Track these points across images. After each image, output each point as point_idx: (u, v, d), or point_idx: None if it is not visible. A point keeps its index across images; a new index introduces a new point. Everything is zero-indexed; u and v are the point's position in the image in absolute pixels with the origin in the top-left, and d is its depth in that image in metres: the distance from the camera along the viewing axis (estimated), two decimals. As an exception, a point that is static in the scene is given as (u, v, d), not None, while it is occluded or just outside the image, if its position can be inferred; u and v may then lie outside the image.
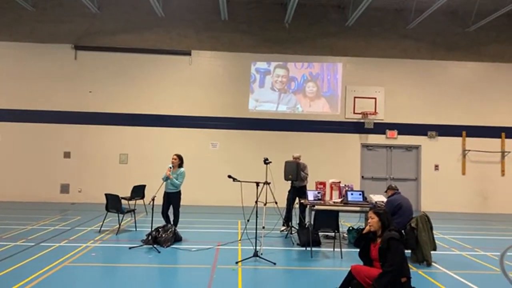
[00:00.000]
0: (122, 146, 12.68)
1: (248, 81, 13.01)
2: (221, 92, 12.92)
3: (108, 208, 7.92)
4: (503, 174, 13.06)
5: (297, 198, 8.33)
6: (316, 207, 7.20)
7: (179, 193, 7.48)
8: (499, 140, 13.12)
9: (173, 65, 12.88)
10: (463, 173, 13.06)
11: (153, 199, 6.71)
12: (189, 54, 12.92)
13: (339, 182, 7.93)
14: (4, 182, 12.22)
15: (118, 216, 7.93)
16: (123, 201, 8.39)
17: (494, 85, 13.19)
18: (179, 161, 7.47)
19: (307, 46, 13.09)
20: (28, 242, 6.85)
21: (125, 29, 12.84)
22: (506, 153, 13.03)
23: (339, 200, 7.61)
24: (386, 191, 6.96)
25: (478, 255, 6.89)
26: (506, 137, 13.10)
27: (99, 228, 7.98)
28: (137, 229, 8.13)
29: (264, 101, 13.04)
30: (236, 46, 12.98)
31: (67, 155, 12.57)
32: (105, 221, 8.09)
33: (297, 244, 7.26)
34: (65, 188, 12.49)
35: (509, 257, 6.83)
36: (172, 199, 7.40)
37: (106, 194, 7.97)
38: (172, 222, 7.39)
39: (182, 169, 7.48)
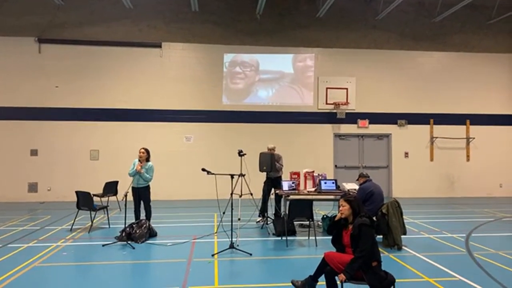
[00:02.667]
0: (92, 142, 12.33)
1: (221, 73, 12.90)
2: (193, 84, 12.76)
3: (79, 206, 7.71)
4: (468, 159, 13.64)
5: (272, 189, 8.40)
6: (291, 197, 7.29)
7: (148, 187, 7.38)
8: (464, 127, 13.67)
9: (143, 57, 12.59)
10: (431, 160, 13.55)
11: (125, 195, 6.59)
12: (159, 46, 12.66)
13: (313, 172, 8.06)
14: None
15: (90, 214, 7.74)
16: (95, 198, 8.18)
17: (459, 74, 13.68)
18: (147, 155, 7.34)
19: (279, 37, 13.09)
20: (-6, 244, 6.59)
21: (91, 21, 12.40)
22: (471, 139, 13.60)
23: (313, 189, 7.74)
24: (357, 179, 7.12)
25: (446, 237, 7.20)
26: (471, 124, 13.66)
27: (70, 227, 7.77)
28: (111, 226, 7.98)
29: (237, 93, 12.99)
30: (208, 38, 12.82)
31: (34, 152, 12.11)
32: (76, 219, 7.86)
33: (273, 234, 7.34)
34: (33, 187, 12.06)
35: (474, 238, 7.17)
36: (142, 194, 7.30)
37: (76, 192, 7.76)
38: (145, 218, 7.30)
39: (150, 163, 7.36)
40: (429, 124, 13.57)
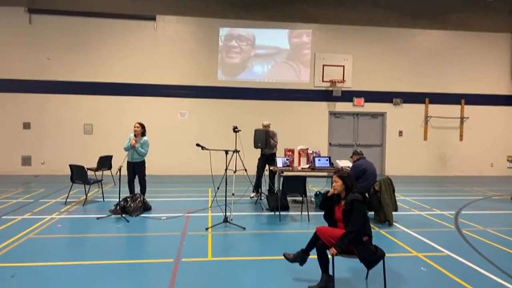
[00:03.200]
0: (86, 116, 12.21)
1: (216, 47, 12.70)
2: (188, 59, 12.57)
3: (73, 179, 7.71)
4: (461, 139, 13.75)
5: (266, 165, 8.44)
6: (285, 173, 7.35)
7: (143, 162, 7.40)
8: (459, 106, 13.70)
9: (137, 30, 12.32)
10: (425, 139, 13.64)
11: (119, 169, 6.59)
12: (153, 19, 12.36)
13: (307, 149, 8.10)
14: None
15: (85, 188, 7.75)
16: (89, 172, 8.18)
17: (456, 53, 13.58)
18: (142, 130, 7.30)
19: (276, 12, 12.82)
20: (-12, 216, 6.61)
21: (83, -9, 12.03)
22: (465, 119, 13.67)
23: (307, 166, 7.79)
24: (351, 156, 7.17)
25: (435, 214, 7.34)
26: (466, 104, 13.69)
27: (64, 200, 7.79)
28: (105, 199, 8.01)
29: (233, 69, 12.83)
30: (203, 11, 12.52)
31: (26, 125, 11.99)
32: (71, 193, 7.88)
33: (266, 209, 7.43)
34: (26, 161, 12.01)
35: (463, 215, 7.32)
36: (137, 168, 7.30)
37: (70, 165, 7.74)
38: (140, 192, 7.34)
39: (145, 137, 7.34)
40: (424, 103, 13.58)
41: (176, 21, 12.51)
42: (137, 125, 7.29)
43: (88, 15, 12.04)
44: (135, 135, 7.20)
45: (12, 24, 11.78)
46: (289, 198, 7.68)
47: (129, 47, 12.29)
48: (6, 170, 11.74)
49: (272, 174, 8.22)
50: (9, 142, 11.87)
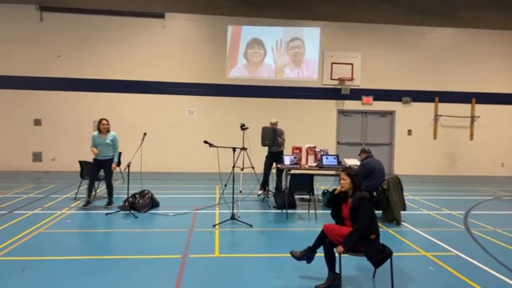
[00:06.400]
0: (96, 113, 12.24)
1: (224, 45, 12.71)
2: (197, 57, 12.60)
3: (83, 175, 7.80)
4: (471, 138, 13.58)
5: (274, 163, 8.44)
6: (292, 171, 7.34)
7: (112, 159, 7.16)
8: (469, 105, 13.52)
9: (146, 28, 12.37)
10: (435, 138, 13.50)
11: (128, 166, 6.65)
12: (162, 16, 12.41)
13: (315, 147, 8.07)
14: (-28, 151, 11.76)
15: (94, 183, 7.82)
16: (98, 168, 8.24)
17: (466, 51, 13.40)
18: (108, 126, 7.17)
19: (285, 9, 12.76)
20: (0, 210, 6.72)
21: (93, -11, 12.12)
22: (475, 118, 13.49)
23: (315, 164, 7.77)
24: (359, 154, 7.13)
25: (445, 214, 7.27)
26: (476, 103, 13.51)
27: (74, 196, 7.89)
28: (114, 196, 8.07)
29: (241, 66, 12.83)
30: (212, 9, 12.51)
31: (37, 122, 12.15)
32: (80, 189, 7.98)
33: (274, 207, 7.44)
34: (37, 157, 12.17)
35: (473, 215, 7.24)
36: (106, 166, 7.10)
37: (80, 161, 7.83)
38: (107, 193, 7.23)
39: (113, 132, 7.19)
40: (434, 102, 13.43)
41: (184, 18, 12.55)
42: (105, 121, 7.14)
43: (98, 13, 12.13)
44: (99, 131, 7.07)
45: (24, 21, 11.93)
46: (296, 196, 7.67)
47: (138, 45, 12.36)
48: (17, 166, 11.92)
49: (279, 172, 8.21)
50: (20, 139, 12.04)
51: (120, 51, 12.31)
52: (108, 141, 7.08)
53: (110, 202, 7.23)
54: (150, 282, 3.94)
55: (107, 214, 6.62)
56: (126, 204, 6.82)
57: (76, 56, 12.14)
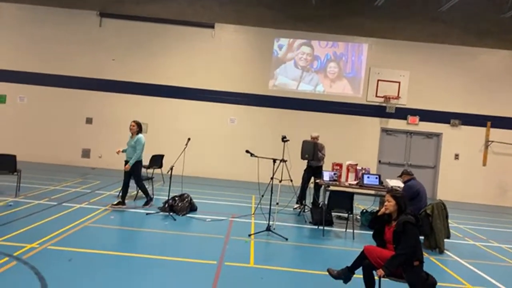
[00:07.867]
0: (142, 115, 12.71)
1: (270, 57, 12.86)
2: (242, 67, 12.83)
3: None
4: (525, 168, 12.73)
5: (312, 178, 8.36)
6: (331, 187, 7.23)
7: (136, 164, 7.18)
8: (525, 133, 12.72)
9: (196, 37, 12.80)
10: (484, 164, 12.78)
11: (171, 169, 6.85)
12: (212, 27, 12.80)
13: (356, 165, 7.91)
14: (28, 142, 12.56)
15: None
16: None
17: (525, 76, 12.66)
18: (137, 128, 7.28)
19: (333, 24, 12.75)
20: (51, 201, 7.14)
21: (150, -2, 12.78)
22: (531, 147, 12.65)
23: (355, 182, 7.61)
24: (400, 176, 6.90)
25: (492, 247, 6.84)
26: (533, 130, 12.68)
27: (117, 193, 8.21)
28: (154, 196, 8.32)
29: (285, 79, 12.90)
30: (260, 21, 12.75)
31: (89, 121, 12.85)
32: (123, 187, 8.29)
33: (310, 222, 7.34)
34: (86, 153, 12.84)
35: (524, 250, 6.76)
36: (131, 169, 7.15)
37: (125, 161, 8.14)
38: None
39: (140, 135, 7.25)
40: (485, 126, 12.76)
41: (233, 29, 12.86)
42: (133, 123, 7.29)
43: (151, 21, 12.73)
44: (132, 133, 7.24)
45: (84, 25, 12.75)
46: (333, 214, 7.53)
47: (187, 53, 12.80)
48: (67, 160, 12.63)
49: (317, 187, 8.12)
50: (72, 135, 12.76)
51: (170, 58, 12.80)
52: (133, 143, 7.23)
53: (147, 202, 7.43)
54: (187, 286, 4.01)
55: (147, 214, 6.84)
56: (166, 206, 7.01)
57: (129, 61, 12.77)
